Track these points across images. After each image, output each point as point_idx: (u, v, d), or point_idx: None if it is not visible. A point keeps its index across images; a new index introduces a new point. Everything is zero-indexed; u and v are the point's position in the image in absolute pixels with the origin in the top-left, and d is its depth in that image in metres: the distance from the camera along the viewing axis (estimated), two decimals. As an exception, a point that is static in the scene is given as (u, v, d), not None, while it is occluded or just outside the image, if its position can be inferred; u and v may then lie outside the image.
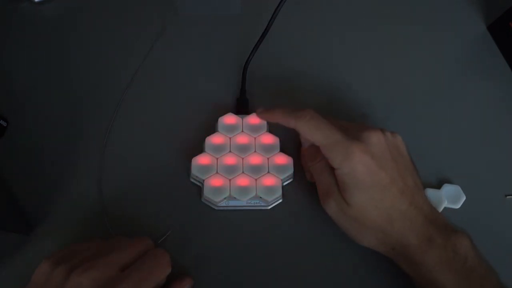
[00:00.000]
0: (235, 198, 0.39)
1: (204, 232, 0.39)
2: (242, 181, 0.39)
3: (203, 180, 0.39)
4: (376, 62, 0.48)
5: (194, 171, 0.39)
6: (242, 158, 0.40)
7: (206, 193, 0.39)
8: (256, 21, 0.45)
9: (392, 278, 0.37)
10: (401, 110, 0.45)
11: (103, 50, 0.47)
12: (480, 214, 0.41)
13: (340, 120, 0.39)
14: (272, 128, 0.42)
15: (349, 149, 0.33)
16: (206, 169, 0.39)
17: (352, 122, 0.38)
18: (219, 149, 0.40)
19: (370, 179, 0.33)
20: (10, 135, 0.42)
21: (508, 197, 0.42)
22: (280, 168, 0.40)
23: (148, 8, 0.49)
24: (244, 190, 0.39)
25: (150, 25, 0.48)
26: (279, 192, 0.39)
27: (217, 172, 0.39)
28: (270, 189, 0.39)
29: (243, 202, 0.39)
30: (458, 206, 0.41)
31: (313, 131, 0.35)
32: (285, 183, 0.41)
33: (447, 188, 0.41)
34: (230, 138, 0.41)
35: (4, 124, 0.42)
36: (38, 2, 0.49)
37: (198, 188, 0.40)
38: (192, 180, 0.40)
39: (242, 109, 0.43)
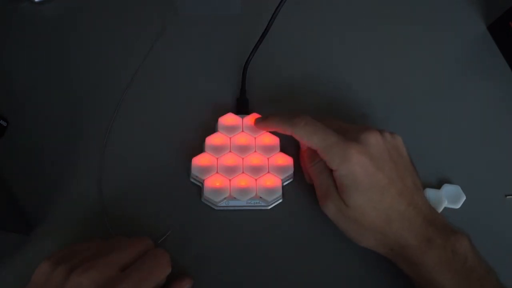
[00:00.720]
0: (235, 198, 0.39)
1: (204, 232, 0.39)
2: (242, 181, 0.39)
3: (203, 180, 0.39)
4: (376, 62, 0.48)
5: (194, 171, 0.39)
6: (242, 158, 0.40)
7: (206, 193, 0.39)
8: (256, 21, 0.45)
9: (392, 278, 0.37)
10: (401, 110, 0.45)
11: (103, 50, 0.47)
12: (480, 214, 0.41)
13: (340, 121, 0.39)
14: (272, 128, 0.42)
15: (347, 150, 0.33)
16: (206, 169, 0.39)
17: (352, 124, 0.38)
18: (219, 149, 0.40)
19: (368, 180, 0.33)
20: (10, 135, 0.42)
21: (508, 197, 0.42)
22: (280, 168, 0.40)
23: (148, 8, 0.49)
24: (244, 190, 0.39)
25: (150, 25, 0.48)
26: (279, 192, 0.39)
27: (217, 172, 0.39)
28: (270, 189, 0.39)
29: (243, 202, 0.39)
30: (458, 206, 0.41)
31: (309, 136, 0.36)
32: (285, 183, 0.41)
33: (447, 188, 0.41)
34: (230, 138, 0.41)
35: (4, 124, 0.42)
36: (38, 2, 0.49)
37: (198, 188, 0.40)
38: (192, 180, 0.40)
39: (242, 109, 0.43)
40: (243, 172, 0.39)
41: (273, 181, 0.39)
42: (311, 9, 0.51)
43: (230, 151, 0.40)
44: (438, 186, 0.41)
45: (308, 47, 0.48)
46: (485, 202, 0.41)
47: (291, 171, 0.40)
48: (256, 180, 0.39)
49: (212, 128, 0.42)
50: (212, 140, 0.41)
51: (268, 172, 0.40)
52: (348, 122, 0.39)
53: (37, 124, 0.43)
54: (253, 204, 0.40)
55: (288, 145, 0.41)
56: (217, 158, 0.40)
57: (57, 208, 0.39)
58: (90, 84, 0.45)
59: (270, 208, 0.40)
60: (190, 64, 0.47)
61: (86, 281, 0.29)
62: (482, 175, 0.42)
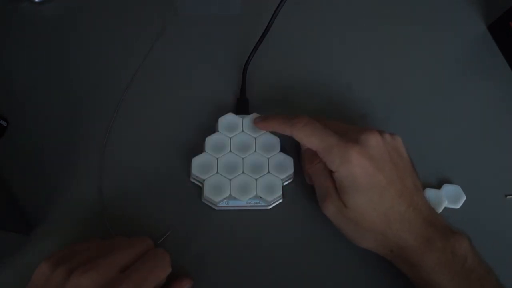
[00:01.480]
0: (235, 198, 0.39)
1: (204, 232, 0.39)
2: (242, 181, 0.39)
3: (203, 180, 0.39)
4: (376, 62, 0.48)
5: (194, 171, 0.39)
6: (242, 158, 0.40)
7: (206, 193, 0.39)
8: (256, 21, 0.45)
9: (392, 278, 0.37)
10: (401, 110, 0.45)
11: (103, 50, 0.47)
12: (480, 214, 0.41)
13: (340, 123, 0.39)
14: (272, 128, 0.42)
15: (346, 152, 0.33)
16: (206, 169, 0.39)
17: (352, 125, 0.38)
18: (219, 149, 0.40)
19: (368, 181, 0.33)
20: (10, 135, 0.42)
21: (508, 197, 0.42)
22: (280, 168, 0.40)
23: (148, 8, 0.49)
24: (244, 190, 0.39)
25: (150, 25, 0.48)
26: (279, 192, 0.39)
27: (217, 172, 0.39)
28: (270, 189, 0.39)
29: (243, 202, 0.39)
30: (458, 206, 0.41)
31: (309, 137, 0.35)
32: (285, 183, 0.41)
33: (447, 188, 0.41)
34: (230, 138, 0.41)
35: (4, 124, 0.42)
36: (38, 2, 0.49)
37: (198, 188, 0.40)
38: (192, 180, 0.40)
39: (242, 109, 0.43)
40: (243, 172, 0.39)
41: (273, 181, 0.39)
42: (311, 9, 0.51)
43: (230, 151, 0.40)
44: (438, 186, 0.41)
45: (308, 47, 0.48)
46: (485, 202, 0.41)
47: (291, 171, 0.40)
48: (256, 180, 0.39)
49: (212, 128, 0.42)
50: (212, 140, 0.41)
51: (268, 172, 0.40)
52: (348, 123, 0.39)
53: (37, 124, 0.43)
54: (253, 204, 0.40)
55: (288, 145, 0.41)
56: (217, 158, 0.40)
57: (57, 208, 0.39)
58: (90, 84, 0.45)
59: (270, 208, 0.40)
60: (190, 64, 0.47)
61: (86, 282, 0.29)
62: (482, 175, 0.42)
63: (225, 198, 0.39)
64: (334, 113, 0.44)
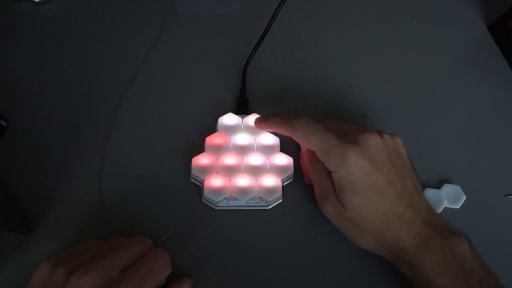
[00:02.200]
0: (235, 198, 0.39)
1: (204, 232, 0.39)
2: (242, 181, 0.39)
3: (203, 180, 0.39)
4: (376, 62, 0.48)
5: (194, 171, 0.39)
6: (242, 158, 0.40)
7: (206, 193, 0.39)
8: (256, 21, 0.45)
9: (392, 278, 0.37)
10: (401, 110, 0.45)
11: (103, 50, 0.47)
12: (480, 214, 0.41)
13: (340, 123, 0.39)
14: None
15: (345, 152, 0.33)
16: (206, 169, 0.39)
17: (351, 126, 0.38)
18: (219, 149, 0.40)
19: (367, 182, 0.33)
20: (10, 135, 0.42)
21: (508, 197, 0.42)
22: (280, 168, 0.40)
23: (148, 8, 0.49)
24: (244, 190, 0.39)
25: (150, 25, 0.48)
26: (279, 192, 0.39)
27: (217, 172, 0.39)
28: (270, 189, 0.39)
29: (243, 202, 0.39)
30: (458, 206, 0.41)
31: (308, 137, 0.35)
32: (285, 183, 0.41)
33: (447, 188, 0.41)
34: (230, 138, 0.41)
35: (4, 124, 0.42)
36: (38, 2, 0.49)
37: (198, 188, 0.40)
38: (192, 180, 0.40)
39: (242, 109, 0.43)
40: (243, 172, 0.39)
41: (273, 181, 0.39)
42: (311, 9, 0.51)
43: (230, 151, 0.40)
44: (438, 186, 0.41)
45: (308, 47, 0.48)
46: (485, 202, 0.41)
47: (291, 171, 0.40)
48: (256, 180, 0.39)
49: (212, 128, 0.42)
50: (212, 140, 0.41)
51: (268, 172, 0.40)
52: (348, 123, 0.39)
53: (37, 124, 0.43)
54: (253, 204, 0.40)
55: (288, 145, 0.41)
56: (217, 158, 0.40)
57: (57, 208, 0.39)
58: (90, 84, 0.45)
59: (270, 208, 0.40)
60: (190, 64, 0.47)
61: (86, 283, 0.29)
62: (482, 175, 0.42)
63: (225, 198, 0.39)
64: (334, 113, 0.44)
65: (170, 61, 0.47)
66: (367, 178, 0.33)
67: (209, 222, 0.39)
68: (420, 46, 0.49)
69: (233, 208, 0.40)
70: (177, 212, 0.39)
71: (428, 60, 0.48)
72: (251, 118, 0.41)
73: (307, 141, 0.36)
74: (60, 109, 0.43)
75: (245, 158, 0.40)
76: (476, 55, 0.49)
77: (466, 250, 0.33)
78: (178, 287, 0.35)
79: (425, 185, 0.41)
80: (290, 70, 0.47)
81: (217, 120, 0.41)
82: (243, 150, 0.40)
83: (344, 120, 0.40)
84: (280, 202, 0.40)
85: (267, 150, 0.41)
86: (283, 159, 0.40)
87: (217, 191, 0.39)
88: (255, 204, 0.40)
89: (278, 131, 0.39)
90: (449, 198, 0.41)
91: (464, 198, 0.41)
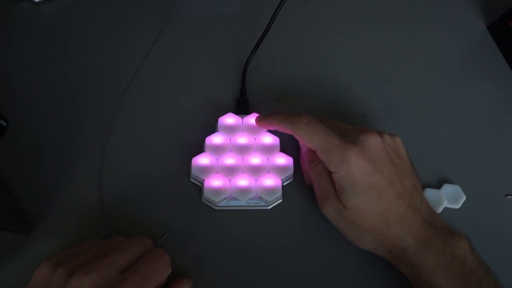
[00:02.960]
0: (235, 198, 0.39)
1: (204, 232, 0.39)
2: (242, 181, 0.39)
3: (203, 180, 0.39)
4: (376, 62, 0.48)
5: (194, 171, 0.39)
6: (242, 158, 0.40)
7: (206, 193, 0.39)
8: (256, 21, 0.45)
9: (391, 278, 0.37)
10: (401, 110, 0.45)
11: (103, 50, 0.47)
12: (480, 214, 0.41)
13: (340, 123, 0.39)
14: (272, 128, 0.42)
15: (346, 152, 0.33)
16: (206, 169, 0.39)
17: (352, 126, 0.38)
18: (219, 149, 0.40)
19: (367, 182, 0.33)
20: (10, 135, 0.42)
21: (508, 197, 0.42)
22: (280, 168, 0.40)
23: (148, 8, 0.49)
24: (244, 190, 0.39)
25: (150, 25, 0.48)
26: (279, 192, 0.39)
27: (217, 172, 0.39)
28: (270, 189, 0.39)
29: (243, 202, 0.39)
30: (458, 206, 0.41)
31: (310, 136, 0.35)
32: (285, 183, 0.41)
33: (447, 188, 0.41)
34: (230, 138, 0.41)
35: (4, 124, 0.42)
36: (38, 2, 0.49)
37: (198, 188, 0.40)
38: (192, 180, 0.40)
39: (242, 109, 0.43)
40: (243, 172, 0.39)
41: (273, 181, 0.39)
42: (311, 9, 0.51)
43: (230, 151, 0.40)
44: (438, 186, 0.41)
45: (308, 47, 0.48)
46: (485, 202, 0.41)
47: (291, 171, 0.40)
48: (256, 180, 0.39)
49: (212, 128, 0.42)
50: (212, 140, 0.41)
51: (268, 172, 0.40)
52: (348, 123, 0.39)
53: (37, 124, 0.43)
54: (253, 204, 0.40)
55: (288, 145, 0.41)
56: (217, 158, 0.40)
57: (57, 208, 0.39)
58: (90, 84, 0.45)
59: (270, 208, 0.40)
60: (190, 64, 0.47)
61: (86, 284, 0.29)
62: (482, 175, 0.43)
63: (225, 198, 0.39)
64: (334, 113, 0.44)
65: (170, 61, 0.47)
66: (367, 178, 0.33)
67: (209, 222, 0.39)
68: (420, 46, 0.49)
69: (233, 208, 0.40)
70: (177, 212, 0.39)
71: (428, 60, 0.48)
72: (251, 118, 0.41)
73: (309, 140, 0.36)
74: (60, 109, 0.43)
75: (245, 158, 0.40)
76: (476, 55, 0.49)
77: (466, 250, 0.33)
78: (178, 287, 0.35)
79: (425, 185, 0.41)
80: (290, 70, 0.47)
81: (217, 120, 0.41)
82: (243, 150, 0.40)
83: (344, 120, 0.40)
84: (280, 202, 0.40)
85: (267, 150, 0.41)
86: (283, 159, 0.40)
87: (217, 191, 0.39)
88: (255, 204, 0.40)
89: (279, 129, 0.39)
90: (449, 198, 0.41)
91: (464, 198, 0.41)
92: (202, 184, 0.39)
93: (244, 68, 0.44)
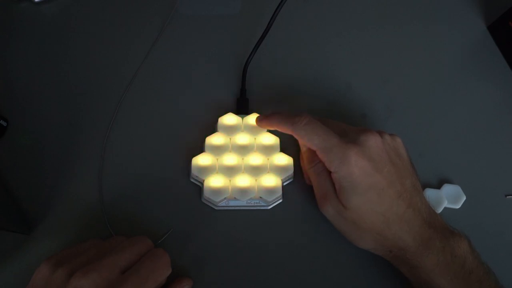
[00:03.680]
0: (235, 198, 0.39)
1: (204, 232, 0.39)
2: (242, 181, 0.39)
3: (203, 180, 0.39)
4: (376, 62, 0.48)
5: (194, 171, 0.39)
6: (242, 158, 0.40)
7: (206, 193, 0.39)
8: (256, 21, 0.45)
9: (391, 278, 0.37)
10: (401, 110, 0.45)
11: (103, 50, 0.47)
12: (480, 214, 0.41)
13: (340, 123, 0.39)
14: (272, 128, 0.42)
15: (346, 152, 0.33)
16: (206, 169, 0.39)
17: (352, 126, 0.38)
18: (219, 149, 0.40)
19: (367, 182, 0.33)
20: (10, 135, 0.42)
21: (508, 197, 0.42)
22: (280, 168, 0.40)
23: (148, 8, 0.49)
24: (244, 190, 0.39)
25: (150, 25, 0.48)
26: (279, 192, 0.39)
27: (217, 172, 0.39)
28: (270, 189, 0.39)
29: (243, 202, 0.39)
30: (458, 206, 0.41)
31: (310, 136, 0.35)
32: (285, 183, 0.41)
33: (447, 188, 0.41)
34: (230, 138, 0.41)
35: (4, 124, 0.42)
36: (38, 2, 0.49)
37: (198, 188, 0.40)
38: (192, 180, 0.40)
39: (242, 109, 0.43)
40: (243, 172, 0.39)
41: (273, 181, 0.39)
42: (311, 9, 0.51)
43: (230, 151, 0.40)
44: (438, 186, 0.41)
45: (308, 47, 0.48)
46: (485, 202, 0.41)
47: (291, 171, 0.40)
48: (256, 180, 0.39)
49: (212, 128, 0.42)
50: (212, 140, 0.41)
51: (268, 172, 0.40)
52: (348, 123, 0.39)
53: (37, 124, 0.43)
54: (253, 204, 0.40)
55: (288, 145, 0.41)
56: (217, 158, 0.40)
57: (57, 208, 0.39)
58: (90, 84, 0.45)
59: (270, 208, 0.40)
60: (190, 64, 0.47)
61: (86, 284, 0.29)
62: (482, 175, 0.43)
63: (225, 198, 0.39)
64: (334, 113, 0.44)
65: (170, 61, 0.47)
66: (367, 178, 0.33)
67: (209, 222, 0.39)
68: (420, 46, 0.49)
69: (233, 208, 0.40)
70: (177, 212, 0.39)
71: (428, 60, 0.48)
72: (251, 118, 0.41)
73: (308, 140, 0.36)
74: (60, 109, 0.43)
75: (245, 158, 0.40)
76: (476, 55, 0.49)
77: (466, 250, 0.33)
78: (178, 287, 0.35)
79: (425, 185, 0.41)
80: (290, 70, 0.47)
81: (217, 120, 0.41)
82: (243, 150, 0.40)
83: (344, 120, 0.40)
84: (280, 202, 0.40)
85: (267, 150, 0.41)
86: (283, 159, 0.40)
87: (217, 191, 0.39)
88: (255, 204, 0.40)
89: (279, 129, 0.39)
90: (449, 198, 0.41)
91: (464, 198, 0.41)
92: (202, 184, 0.39)
93: (244, 68, 0.44)
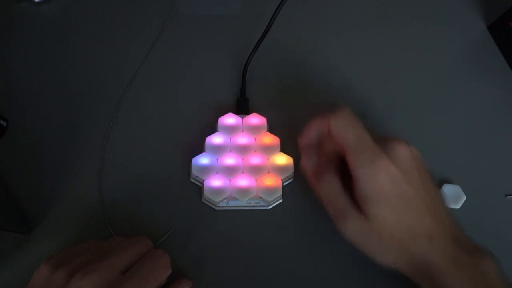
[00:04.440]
0: (235, 198, 0.39)
1: (204, 232, 0.39)
2: (242, 181, 0.39)
3: (203, 180, 0.39)
4: (376, 62, 0.48)
5: (194, 171, 0.39)
6: (242, 158, 0.40)
7: (206, 193, 0.39)
8: (256, 21, 0.45)
9: (392, 278, 0.37)
10: (401, 110, 0.45)
11: (103, 50, 0.47)
12: (480, 214, 0.41)
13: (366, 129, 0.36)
14: (272, 128, 0.42)
15: (377, 158, 0.31)
16: (206, 169, 0.39)
17: (375, 134, 0.35)
18: (219, 149, 0.40)
19: (395, 191, 0.31)
20: (10, 135, 0.42)
21: (508, 197, 0.42)
22: (280, 168, 0.40)
23: (148, 8, 0.49)
24: (244, 190, 0.39)
25: (150, 25, 0.48)
26: (279, 192, 0.39)
27: (217, 172, 0.39)
28: (270, 189, 0.39)
29: (243, 202, 0.39)
30: (458, 206, 0.41)
31: (346, 129, 0.33)
32: (285, 183, 0.41)
33: (447, 188, 0.41)
34: (230, 138, 0.41)
35: (4, 124, 0.42)
36: (38, 2, 0.49)
37: (198, 188, 0.40)
38: (192, 180, 0.40)
39: (242, 109, 0.43)
40: (243, 172, 0.39)
41: (273, 181, 0.39)
42: (311, 9, 0.51)
43: (230, 151, 0.40)
44: (438, 186, 0.41)
45: (308, 47, 0.48)
46: (485, 202, 0.41)
47: (291, 171, 0.40)
48: (256, 180, 0.39)
49: (212, 128, 0.42)
50: (212, 140, 0.41)
51: (268, 172, 0.40)
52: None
53: (37, 124, 0.43)
54: (253, 204, 0.40)
55: (288, 145, 0.41)
56: (217, 158, 0.40)
57: (57, 208, 0.39)
58: (90, 84, 0.45)
59: (270, 208, 0.40)
60: (190, 64, 0.47)
61: (87, 285, 0.29)
62: (482, 175, 0.42)
63: (225, 198, 0.39)
64: (334, 113, 0.44)
65: (170, 61, 0.47)
66: (395, 187, 0.31)
67: (209, 222, 0.39)
68: (420, 46, 0.49)
69: (233, 208, 0.40)
70: (177, 212, 0.39)
71: (428, 60, 0.48)
72: (251, 118, 0.41)
73: (344, 133, 0.33)
74: (60, 109, 0.43)
75: (245, 158, 0.40)
76: (476, 55, 0.49)
77: (493, 268, 0.31)
78: (177, 287, 0.35)
79: (425, 185, 0.41)
80: (290, 70, 0.47)
81: (217, 120, 0.41)
82: (243, 150, 0.40)
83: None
84: (280, 202, 0.40)
85: (267, 150, 0.41)
86: (283, 159, 0.40)
87: (217, 191, 0.39)
88: (255, 204, 0.40)
89: (317, 127, 0.36)
90: (449, 198, 0.41)
91: (464, 198, 0.41)
92: (202, 184, 0.39)
93: (244, 68, 0.44)
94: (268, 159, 0.40)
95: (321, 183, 0.35)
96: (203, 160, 0.40)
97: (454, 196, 0.41)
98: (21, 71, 0.45)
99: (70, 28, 0.48)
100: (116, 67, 0.46)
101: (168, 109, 0.44)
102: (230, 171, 0.39)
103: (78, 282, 0.29)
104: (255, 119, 0.42)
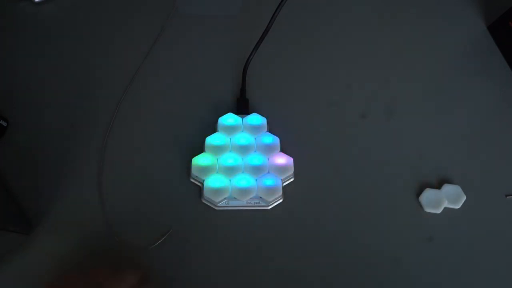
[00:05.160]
0: (235, 198, 0.39)
1: (204, 232, 0.39)
2: (242, 181, 0.39)
3: (203, 180, 0.39)
4: (376, 62, 0.48)
5: (194, 171, 0.39)
6: (242, 158, 0.40)
7: (206, 193, 0.39)
8: (256, 21, 0.45)
9: (391, 278, 0.37)
10: (401, 110, 0.45)
11: (103, 50, 0.47)
12: (480, 214, 0.41)
13: None
14: (272, 128, 0.42)
15: None
16: (206, 169, 0.39)
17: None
18: (219, 149, 0.40)
19: None
20: (10, 135, 0.42)
21: (508, 197, 0.42)
22: (280, 168, 0.40)
23: (148, 8, 0.49)
24: (244, 190, 0.39)
25: (150, 25, 0.48)
26: (279, 192, 0.39)
27: (217, 172, 0.39)
28: (270, 189, 0.39)
29: (243, 202, 0.39)
30: (458, 206, 0.41)
31: None
32: (285, 183, 0.40)
33: (447, 188, 0.41)
34: (230, 138, 0.41)
35: (4, 124, 0.42)
36: (38, 2, 0.49)
37: (198, 188, 0.40)
38: (192, 180, 0.40)
39: (242, 109, 0.43)
40: (243, 172, 0.39)
41: (273, 181, 0.39)
42: (311, 9, 0.51)
43: (230, 151, 0.40)
44: (438, 186, 0.41)
45: (308, 47, 0.48)
46: (485, 202, 0.41)
47: (291, 171, 0.40)
48: (256, 180, 0.39)
49: (212, 128, 0.42)
50: (212, 140, 0.41)
51: (268, 172, 0.40)
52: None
53: (37, 124, 0.43)
54: (253, 204, 0.40)
55: (288, 145, 0.41)
56: (217, 158, 0.40)
57: (57, 209, 0.39)
58: (90, 84, 0.45)
59: (270, 208, 0.40)
60: (190, 64, 0.47)
61: None
62: (482, 175, 0.42)
63: (225, 198, 0.39)
64: (334, 113, 0.44)
65: (170, 61, 0.47)
66: None
67: (209, 222, 0.39)
68: (420, 46, 0.49)
69: (233, 208, 0.40)
70: (177, 212, 0.39)
71: (428, 60, 0.48)
72: (251, 118, 0.41)
73: None
74: (60, 109, 0.43)
75: (245, 158, 0.40)
76: (476, 55, 0.49)
77: None
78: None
79: (425, 185, 0.41)
80: (290, 70, 0.47)
81: (217, 120, 0.41)
82: (243, 150, 0.40)
83: (344, 120, 0.40)
84: (280, 202, 0.40)
85: (267, 150, 0.41)
86: (283, 159, 0.40)
87: (217, 191, 0.39)
88: (255, 204, 0.40)
89: None
90: (449, 198, 0.41)
91: (464, 198, 0.41)
92: (202, 184, 0.39)
93: (244, 68, 0.44)
94: (268, 159, 0.40)
95: None
96: (203, 160, 0.40)
97: (454, 196, 0.41)
98: (21, 71, 0.45)
99: (70, 28, 0.48)
100: (115, 67, 0.46)
101: (168, 109, 0.44)
102: (230, 171, 0.39)
103: None
104: (255, 119, 0.42)
